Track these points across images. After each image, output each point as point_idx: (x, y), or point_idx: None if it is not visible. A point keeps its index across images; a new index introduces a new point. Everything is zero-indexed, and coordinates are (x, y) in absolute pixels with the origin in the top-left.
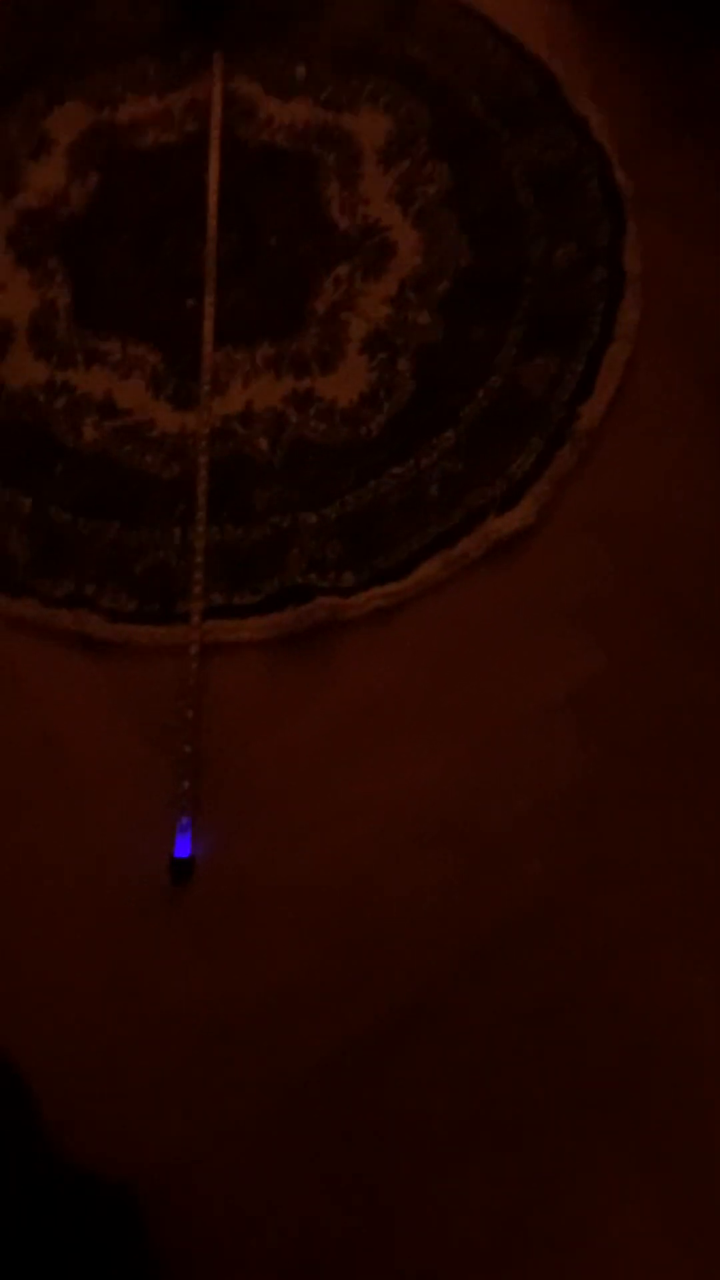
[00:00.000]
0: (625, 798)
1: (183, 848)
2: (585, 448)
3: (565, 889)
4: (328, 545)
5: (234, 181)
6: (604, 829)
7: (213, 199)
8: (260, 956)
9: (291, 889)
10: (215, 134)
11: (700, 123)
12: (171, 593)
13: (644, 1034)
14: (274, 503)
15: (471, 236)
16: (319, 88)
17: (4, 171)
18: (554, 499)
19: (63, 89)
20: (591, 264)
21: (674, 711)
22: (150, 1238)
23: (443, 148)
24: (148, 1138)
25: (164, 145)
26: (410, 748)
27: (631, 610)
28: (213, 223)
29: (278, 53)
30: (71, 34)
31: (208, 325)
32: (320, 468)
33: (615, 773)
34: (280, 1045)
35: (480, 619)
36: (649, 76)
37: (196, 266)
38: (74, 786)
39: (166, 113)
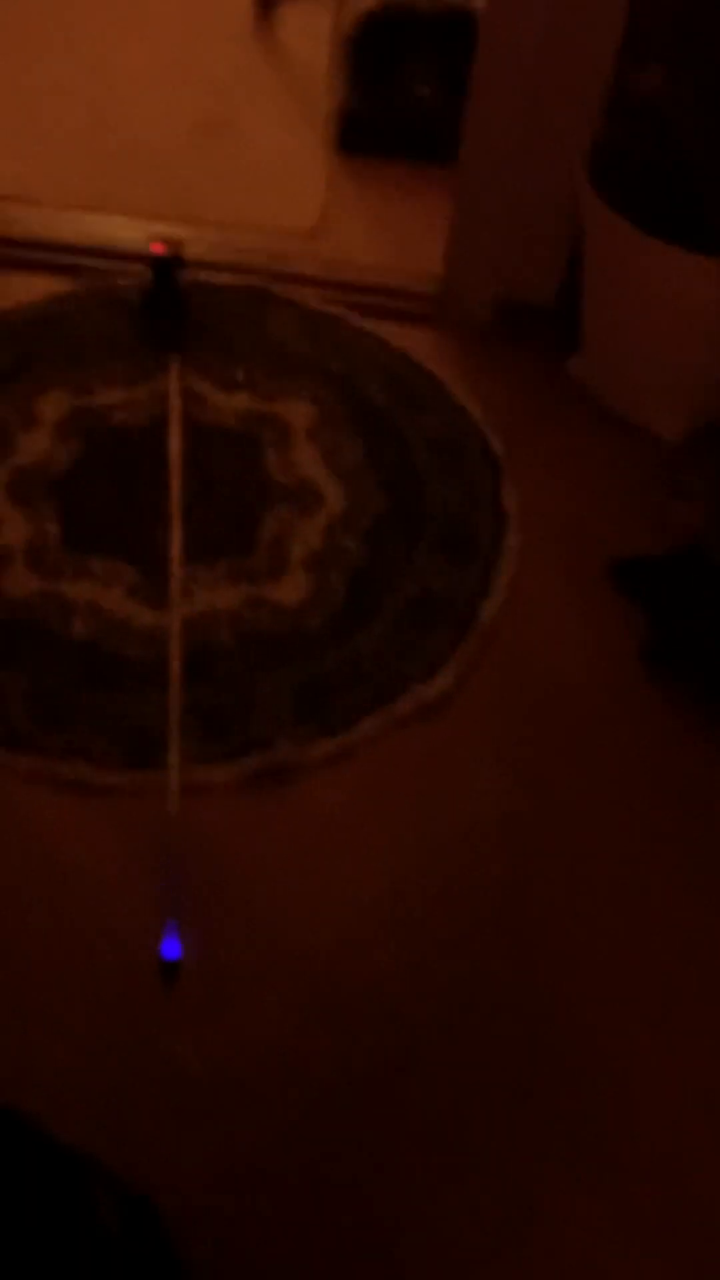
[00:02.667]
0: (547, 899)
1: (170, 948)
2: (487, 631)
3: (503, 970)
4: (283, 707)
5: (192, 450)
6: (532, 921)
7: (175, 460)
8: (250, 1023)
9: (271, 971)
10: (175, 415)
11: (555, 409)
12: (153, 745)
13: (584, 1076)
14: (236, 676)
15: (385, 488)
16: (255, 385)
17: (1, 439)
18: (466, 670)
19: (47, 381)
20: (478, 504)
21: (587, 832)
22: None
23: (356, 427)
24: (147, 1184)
25: (133, 423)
26: (363, 861)
27: (540, 752)
28: (175, 477)
29: (221, 359)
30: (54, 341)
31: (175, 548)
32: (274, 651)
33: (537, 880)
34: (274, 1096)
35: (415, 762)
36: (513, 378)
37: (164, 507)
38: (73, 896)
39: (134, 400)
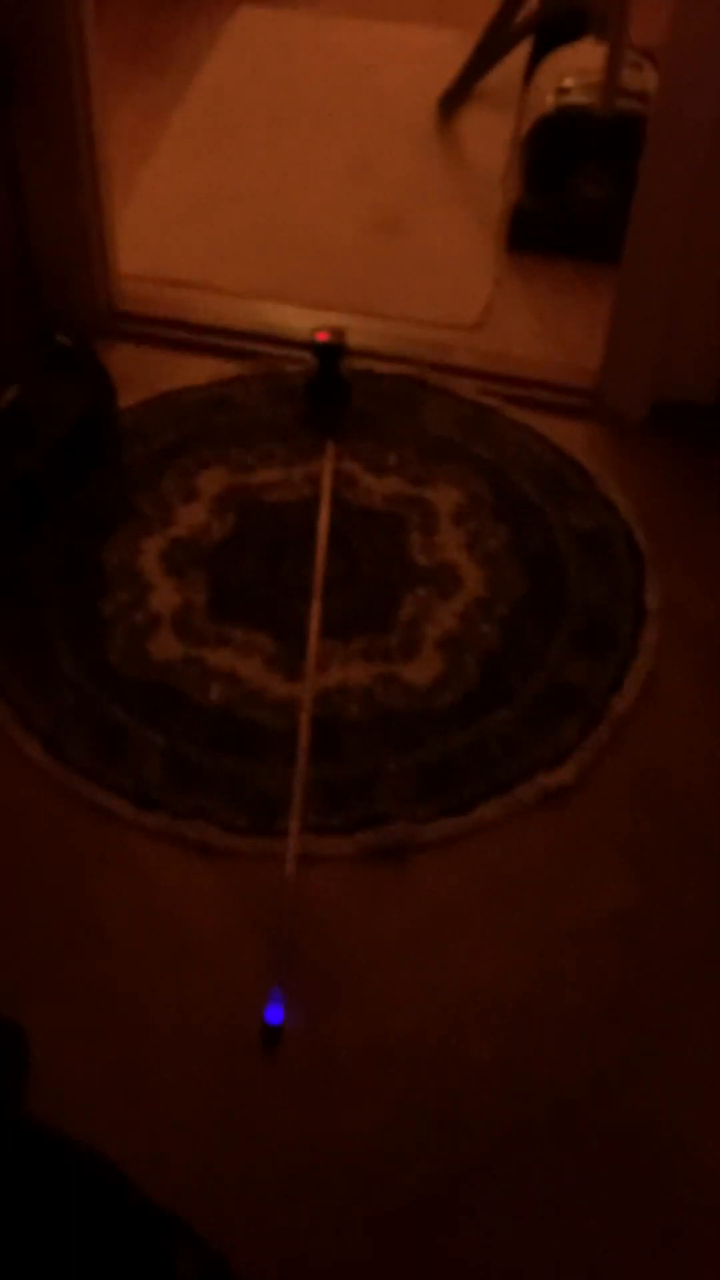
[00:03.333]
0: (661, 1003)
1: (274, 1013)
2: (617, 725)
3: (610, 1071)
4: (405, 784)
5: (338, 527)
6: (642, 1025)
7: (322, 538)
8: (347, 1108)
9: (374, 1050)
10: (326, 495)
11: (706, 509)
12: (275, 812)
13: (674, 1182)
14: (361, 751)
15: (526, 575)
16: (406, 469)
17: (161, 511)
18: (593, 762)
19: (209, 458)
20: (619, 598)
21: (702, 933)
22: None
23: (501, 515)
24: (229, 1250)
25: (286, 501)
26: (476, 946)
27: (663, 849)
28: (321, 554)
29: (375, 444)
30: (219, 421)
31: (314, 622)
32: (401, 729)
33: (652, 982)
34: (369, 1183)
35: (532, 850)
36: (666, 475)
37: (307, 582)
38: (188, 953)
39: (288, 480)
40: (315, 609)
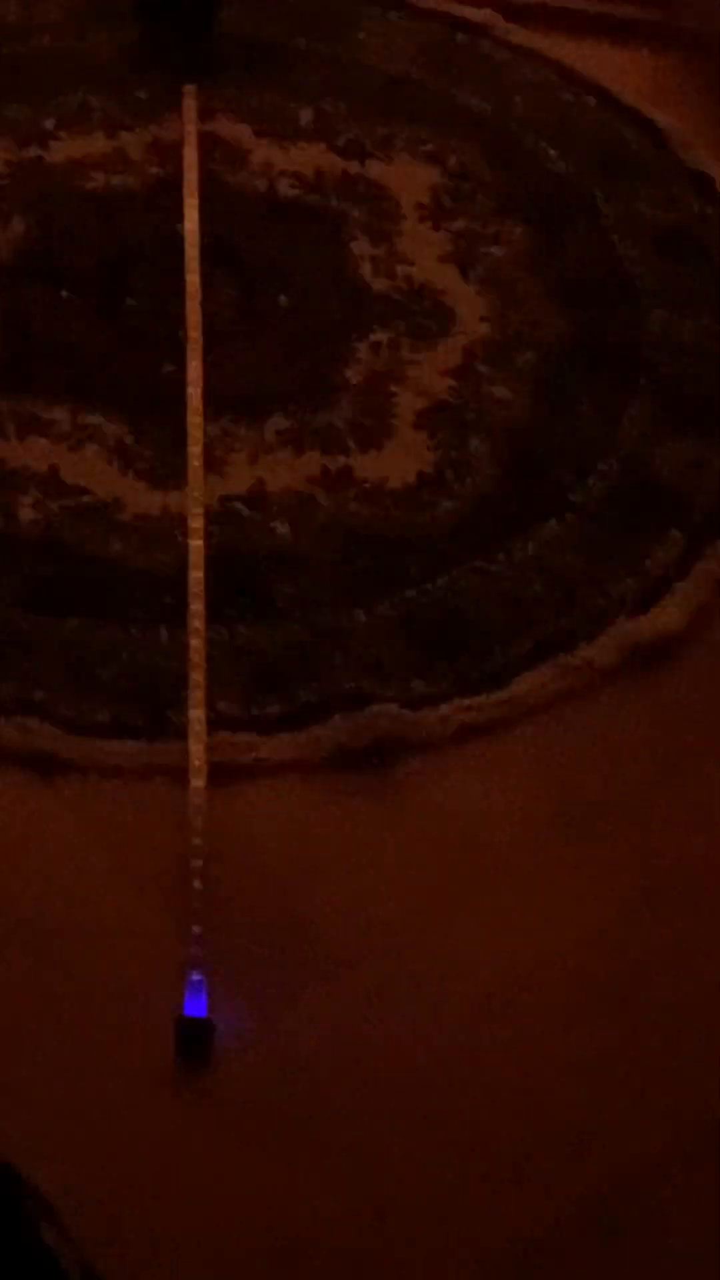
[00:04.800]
0: None
1: (194, 1010)
2: None
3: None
4: (385, 648)
5: (224, 233)
6: None
7: (191, 249)
8: (298, 1123)
9: (346, 1066)
10: (190, 175)
11: None
12: (158, 701)
13: None
14: (304, 599)
15: (563, 303)
16: (333, 130)
17: None
18: (706, 602)
19: None
20: None
21: None
22: None
23: (514, 205)
24: None
25: (117, 189)
26: (525, 901)
27: None
28: (193, 278)
29: (270, 91)
30: None
31: (194, 389)
32: (368, 558)
33: None
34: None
35: (615, 746)
36: None
37: (173, 326)
38: (44, 926)
39: (118, 153)
40: (194, 366)
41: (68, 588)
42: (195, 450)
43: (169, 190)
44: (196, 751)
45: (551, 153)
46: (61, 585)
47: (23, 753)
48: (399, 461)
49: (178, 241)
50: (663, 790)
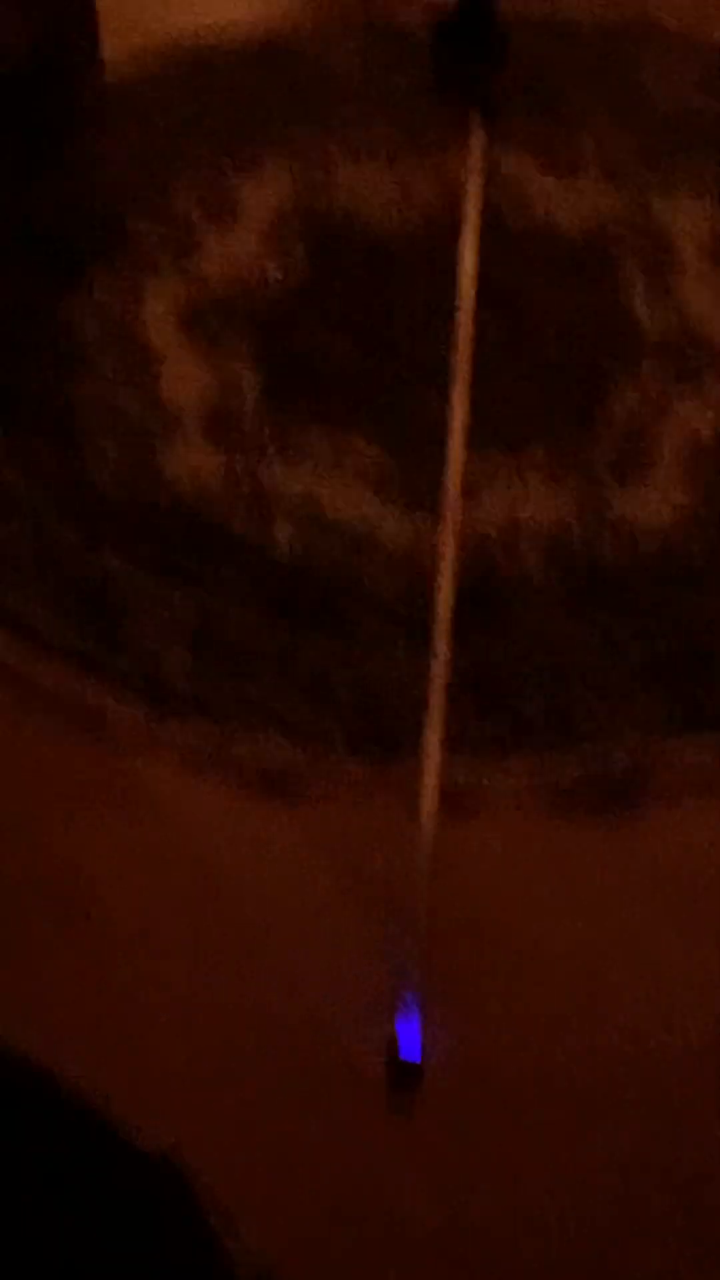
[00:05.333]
0: None
1: (409, 1043)
2: None
3: None
4: (629, 682)
5: (494, 269)
6: None
7: (466, 283)
8: (509, 1165)
9: (549, 1093)
10: (472, 211)
11: None
12: (392, 723)
13: None
14: (549, 629)
15: None
16: (616, 167)
17: (176, 238)
18: None
19: (258, 149)
20: None
21: None
22: None
23: None
24: None
25: (396, 224)
26: None
27: None
28: (466, 314)
29: (557, 123)
30: (274, 87)
31: (456, 420)
32: (618, 594)
33: None
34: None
35: None
36: None
37: (439, 358)
38: (258, 947)
39: (400, 185)
40: (458, 398)
41: (315, 605)
42: (453, 477)
43: (448, 225)
44: (429, 775)
45: None
46: (310, 603)
47: (257, 766)
48: (656, 500)
49: (452, 276)
50: None
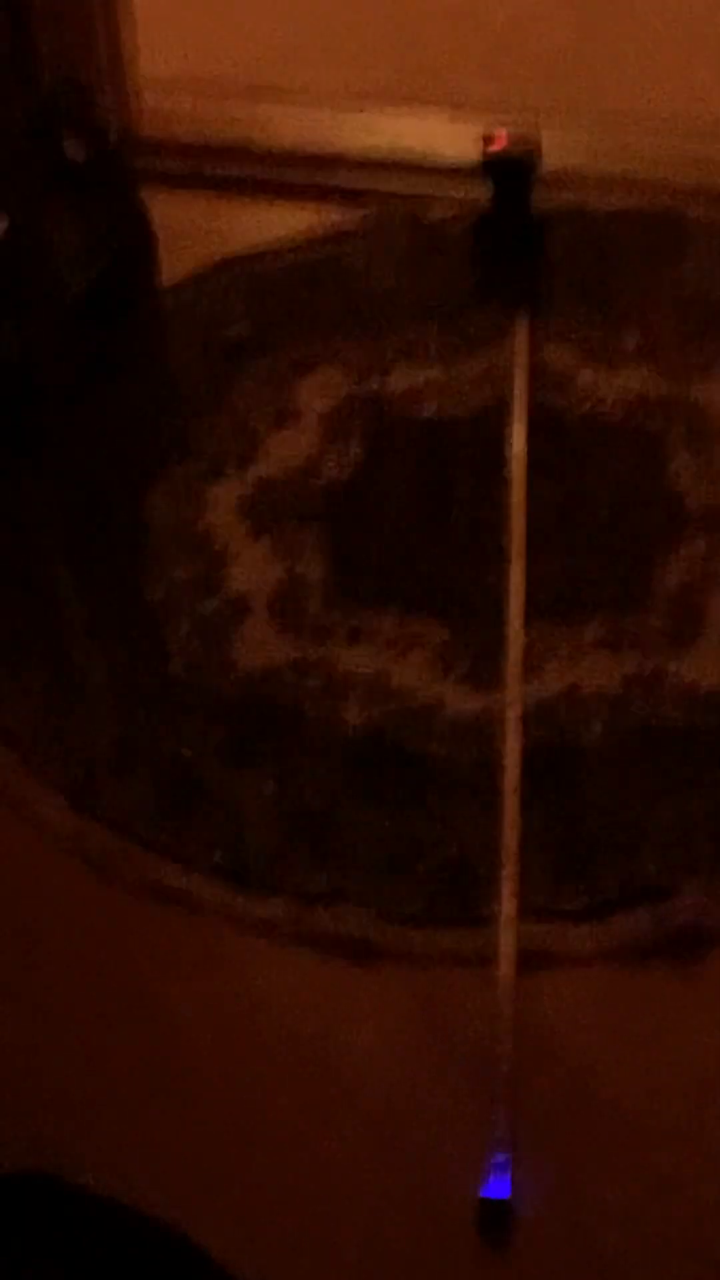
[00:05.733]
0: None
1: (498, 1188)
2: None
3: None
4: (691, 841)
5: (543, 451)
6: None
7: (518, 466)
8: None
9: (641, 1241)
10: (520, 400)
11: None
12: (470, 892)
13: None
14: (613, 794)
15: None
16: (657, 354)
17: (236, 440)
18: None
19: (312, 356)
20: None
21: None
22: None
23: None
24: None
25: (448, 415)
26: None
27: None
28: (518, 491)
29: (598, 317)
30: (326, 297)
31: (515, 597)
32: (679, 756)
33: None
34: None
35: None
36: None
37: (495, 538)
38: (347, 1108)
39: (451, 382)
40: (516, 576)
41: (388, 782)
42: (515, 647)
43: (497, 415)
44: (506, 939)
45: None
46: (382, 780)
47: (338, 937)
48: (710, 664)
49: (502, 460)
50: None
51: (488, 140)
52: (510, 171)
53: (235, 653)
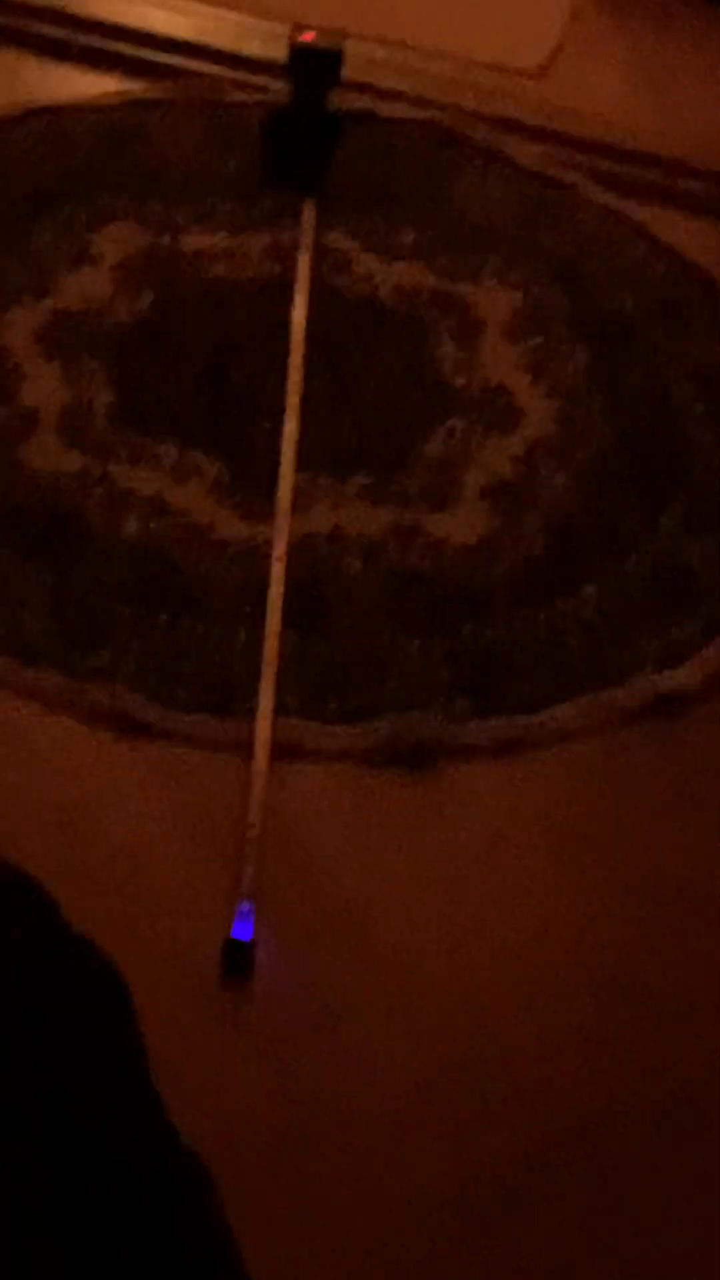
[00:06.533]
0: None
1: (241, 930)
2: None
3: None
4: (434, 673)
5: (324, 327)
6: None
7: (297, 332)
8: (342, 1080)
9: (367, 1009)
10: (304, 273)
11: None
12: (233, 689)
13: None
14: (366, 624)
15: (618, 419)
16: (431, 255)
17: (34, 276)
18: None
19: (111, 210)
20: None
21: None
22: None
23: (581, 333)
24: None
25: (236, 279)
26: (521, 892)
27: None
28: (297, 358)
29: (379, 214)
30: (125, 160)
31: (288, 444)
32: (428, 600)
33: None
34: (365, 1176)
35: (629, 780)
36: None
37: (273, 397)
38: (104, 867)
39: (239, 250)
40: (290, 426)
41: (161, 589)
42: (286, 485)
43: (280, 285)
44: (262, 728)
45: (620, 294)
46: (155, 587)
47: (109, 712)
48: (461, 524)
49: (284, 327)
50: (669, 816)
51: (298, 29)
52: (314, 64)
53: (22, 456)
